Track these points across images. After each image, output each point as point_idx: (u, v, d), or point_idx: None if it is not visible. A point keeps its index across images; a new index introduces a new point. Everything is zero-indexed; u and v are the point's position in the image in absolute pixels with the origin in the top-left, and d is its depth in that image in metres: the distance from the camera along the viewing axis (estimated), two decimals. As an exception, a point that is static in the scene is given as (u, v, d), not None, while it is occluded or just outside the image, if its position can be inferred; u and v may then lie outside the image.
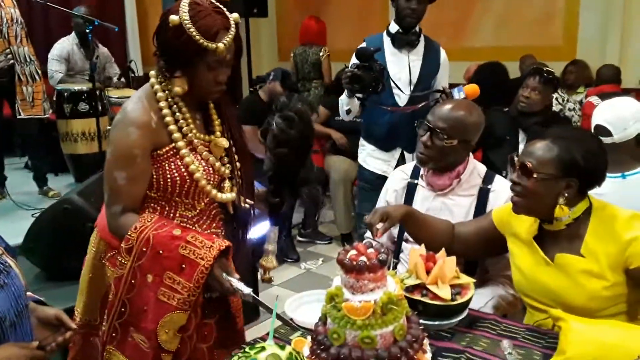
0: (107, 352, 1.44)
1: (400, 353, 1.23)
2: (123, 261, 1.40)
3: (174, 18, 1.36)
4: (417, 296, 1.46)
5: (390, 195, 2.00)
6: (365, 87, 2.41)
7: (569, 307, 1.44)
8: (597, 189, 1.91)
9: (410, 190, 1.96)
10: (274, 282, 1.73)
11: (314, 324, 1.37)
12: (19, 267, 1.29)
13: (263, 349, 1.12)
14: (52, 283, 2.55)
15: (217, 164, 1.53)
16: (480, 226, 1.71)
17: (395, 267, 2.00)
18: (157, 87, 1.47)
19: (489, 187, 1.86)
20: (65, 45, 4.61)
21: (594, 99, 4.12)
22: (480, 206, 1.85)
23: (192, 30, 1.36)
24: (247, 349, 1.14)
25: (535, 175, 1.44)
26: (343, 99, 2.62)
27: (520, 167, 1.47)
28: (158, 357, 1.39)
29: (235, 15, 1.45)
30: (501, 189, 1.83)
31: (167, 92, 1.47)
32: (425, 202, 1.91)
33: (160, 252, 1.37)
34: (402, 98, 2.65)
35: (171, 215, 1.51)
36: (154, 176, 1.46)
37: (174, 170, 1.47)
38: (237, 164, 1.59)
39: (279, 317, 1.36)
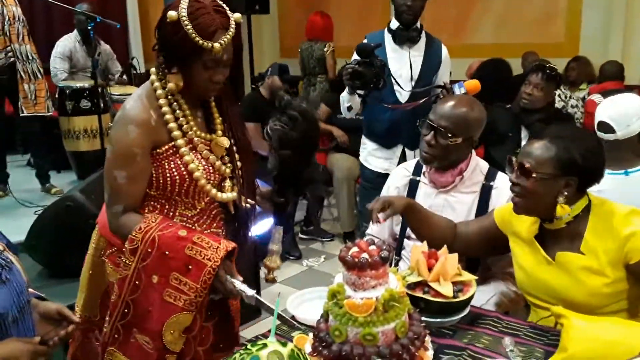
0: (109, 354, 1.43)
1: (401, 350, 1.23)
2: (127, 262, 1.38)
3: (171, 14, 1.35)
4: (419, 293, 1.46)
5: (392, 192, 1.99)
6: (366, 83, 2.41)
7: (571, 305, 1.44)
8: (599, 186, 1.91)
9: (413, 187, 1.96)
10: (275, 275, 1.73)
11: (315, 321, 1.37)
12: (20, 263, 1.30)
13: (265, 346, 1.12)
14: (55, 280, 2.56)
15: (218, 162, 1.52)
16: (482, 226, 1.71)
17: (397, 264, 2.00)
18: (157, 84, 1.46)
19: (491, 184, 1.86)
20: (68, 43, 4.62)
21: (595, 97, 4.10)
22: (483, 203, 1.85)
23: (188, 27, 1.35)
24: (249, 346, 1.14)
25: (534, 175, 1.44)
26: (344, 95, 2.61)
27: (519, 167, 1.47)
28: (162, 358, 1.39)
29: (237, 15, 1.43)
30: (504, 186, 1.82)
31: (167, 89, 1.46)
32: (427, 199, 1.91)
33: (166, 252, 1.36)
34: (403, 94, 2.65)
35: (171, 214, 1.50)
36: (154, 175, 1.46)
37: (174, 169, 1.45)
38: (239, 163, 1.57)
39: (280, 317, 1.36)
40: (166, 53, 1.43)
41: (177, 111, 1.47)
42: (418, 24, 2.69)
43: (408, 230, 1.93)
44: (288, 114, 1.60)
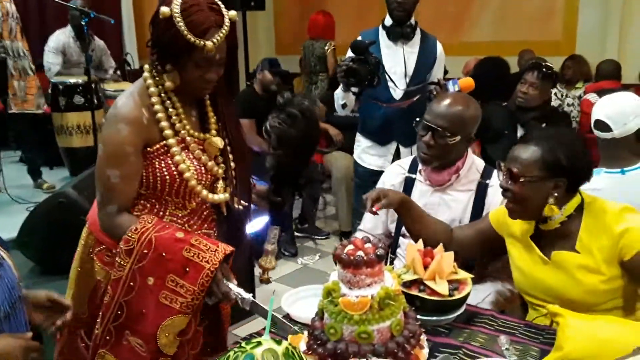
0: (99, 356, 1.40)
1: (397, 348, 1.23)
2: (122, 263, 1.35)
3: (164, 10, 1.33)
4: (414, 291, 1.45)
5: (387, 190, 1.98)
6: (361, 80, 2.40)
7: (568, 303, 1.45)
8: (596, 185, 1.91)
9: (408, 184, 1.95)
10: (270, 274, 1.71)
11: (310, 319, 1.36)
12: (11, 259, 1.29)
13: (259, 344, 1.11)
14: (47, 277, 2.54)
15: (210, 163, 1.49)
16: (479, 229, 1.71)
17: (392, 263, 1.99)
18: (149, 81, 1.44)
19: (487, 182, 1.85)
20: (61, 37, 4.59)
21: (591, 96, 4.11)
22: (479, 201, 1.84)
23: (181, 24, 1.32)
24: (243, 344, 1.13)
25: (522, 180, 1.45)
26: (338, 93, 2.61)
27: (507, 173, 1.49)
28: None
29: (232, 13, 1.41)
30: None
31: (160, 87, 1.44)
32: (423, 197, 1.90)
33: (163, 254, 1.33)
34: (397, 92, 2.65)
35: (161, 213, 1.47)
36: (144, 173, 1.43)
37: (164, 169, 1.43)
38: (232, 164, 1.54)
39: (273, 321, 1.34)
40: (159, 50, 1.41)
41: (170, 109, 1.44)
42: (412, 21, 2.68)
43: (403, 228, 1.92)
44: (287, 112, 1.58)
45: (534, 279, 1.55)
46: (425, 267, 1.47)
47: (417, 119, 1.86)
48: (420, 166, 1.92)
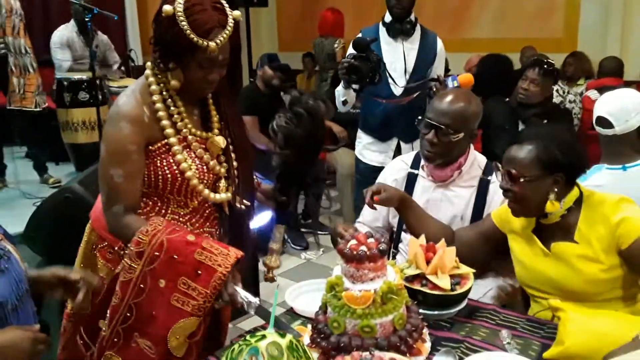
0: (106, 358, 1.38)
1: (399, 342, 1.24)
2: (133, 265, 1.33)
3: (167, 8, 1.31)
4: (416, 286, 1.47)
5: (389, 184, 1.98)
6: (363, 77, 2.41)
7: (569, 293, 1.48)
8: (597, 181, 1.93)
9: (411, 180, 1.96)
10: (274, 271, 1.72)
11: (314, 313, 1.38)
12: (18, 252, 1.30)
13: (264, 337, 1.13)
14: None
15: (212, 162, 1.48)
16: (482, 229, 1.73)
17: (394, 257, 2.01)
18: (151, 79, 1.43)
19: (489, 178, 1.86)
20: (65, 32, 4.58)
21: (591, 93, 4.10)
22: (480, 197, 1.85)
23: (184, 23, 1.31)
24: (247, 337, 1.15)
25: (521, 180, 1.48)
26: (339, 90, 2.62)
27: (507, 175, 1.52)
28: None
29: (236, 12, 1.39)
30: (501, 181, 1.83)
31: (161, 85, 1.42)
32: (425, 193, 1.91)
33: (175, 257, 1.32)
34: (397, 88, 2.66)
35: (163, 211, 1.47)
36: (146, 172, 1.43)
37: (165, 167, 1.42)
38: (235, 163, 1.54)
39: (261, 313, 1.34)
40: (161, 48, 1.39)
41: (172, 108, 1.43)
42: (412, 17, 2.69)
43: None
44: (294, 111, 1.56)
45: (535, 271, 1.57)
46: (428, 261, 1.49)
47: (419, 117, 1.86)
48: (422, 162, 1.93)
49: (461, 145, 1.81)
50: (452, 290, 1.45)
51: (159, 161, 1.43)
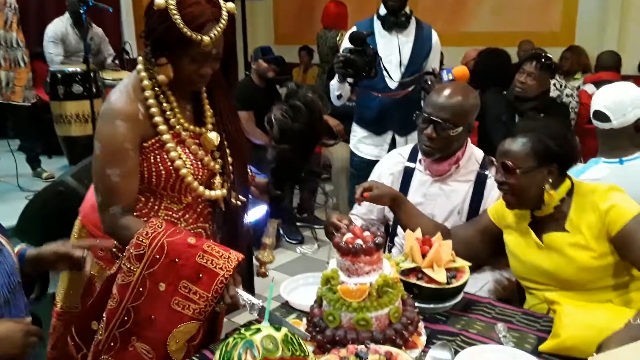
0: None
1: (395, 335, 1.24)
2: (132, 268, 1.30)
3: (158, 1, 1.28)
4: (412, 279, 1.46)
5: (385, 178, 1.97)
6: (359, 71, 2.40)
7: (564, 283, 1.50)
8: (595, 175, 1.93)
9: (407, 174, 1.95)
10: (268, 266, 1.70)
11: (309, 307, 1.37)
12: (11, 245, 1.29)
13: (259, 330, 1.12)
14: (46, 265, 2.54)
15: (207, 158, 1.46)
16: (479, 226, 1.73)
17: (390, 251, 2.00)
18: (143, 74, 1.40)
19: (486, 172, 1.85)
20: (59, 26, 4.55)
21: (588, 87, 4.10)
22: (478, 192, 1.84)
23: (176, 17, 1.28)
24: (242, 331, 1.14)
25: (517, 172, 1.50)
26: (334, 84, 2.61)
27: (502, 167, 1.54)
28: None
29: (230, 5, 1.36)
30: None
31: (153, 80, 1.40)
32: (422, 187, 1.90)
33: (176, 260, 1.29)
34: (392, 82, 2.65)
35: (156, 207, 1.45)
36: (139, 168, 1.40)
37: (159, 164, 1.40)
38: (229, 158, 1.51)
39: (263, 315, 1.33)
40: (153, 42, 1.36)
41: (165, 104, 1.41)
42: (407, 10, 2.67)
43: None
44: (291, 104, 1.54)
45: (529, 263, 1.58)
46: (424, 255, 1.48)
47: (417, 112, 1.85)
48: (420, 156, 1.92)
49: (460, 139, 1.80)
50: (448, 283, 1.45)
51: (152, 158, 1.40)
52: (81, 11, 4.01)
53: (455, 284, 1.46)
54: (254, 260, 1.69)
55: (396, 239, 1.99)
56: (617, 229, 1.44)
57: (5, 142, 4.33)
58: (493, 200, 1.78)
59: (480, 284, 1.75)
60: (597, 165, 2.03)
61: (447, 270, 1.47)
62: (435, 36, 2.74)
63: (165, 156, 1.41)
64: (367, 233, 1.31)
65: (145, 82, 1.39)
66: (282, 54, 4.27)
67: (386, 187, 1.78)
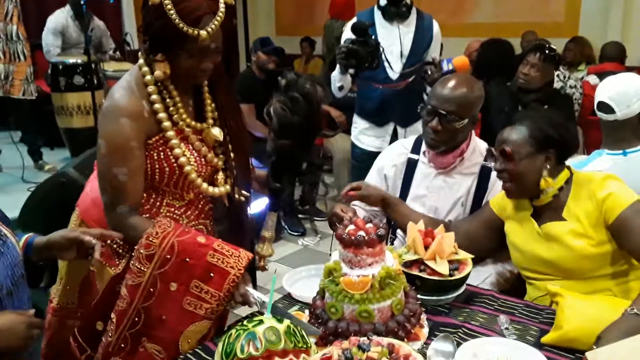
0: None
1: (397, 327, 1.24)
2: (142, 268, 1.29)
3: None
4: (415, 271, 1.46)
5: (388, 170, 1.96)
6: (362, 62, 2.39)
7: (564, 271, 1.52)
8: (598, 166, 1.92)
9: (411, 165, 1.93)
10: (271, 258, 1.70)
11: (311, 299, 1.37)
12: (14, 236, 1.29)
13: (261, 322, 1.12)
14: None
15: (210, 155, 1.46)
16: (482, 219, 1.73)
17: (392, 243, 2.00)
18: (145, 69, 1.38)
19: (490, 165, 1.85)
20: (60, 18, 4.54)
21: (591, 78, 4.08)
22: (482, 184, 1.83)
23: (172, 12, 1.26)
24: (245, 322, 1.14)
25: (515, 157, 1.52)
26: (335, 75, 2.60)
27: (501, 154, 1.56)
28: None
29: None
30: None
31: (154, 76, 1.37)
32: (425, 179, 1.89)
33: (187, 259, 1.29)
34: (393, 72, 2.64)
35: (158, 204, 1.45)
36: None
37: (163, 161, 1.39)
38: (232, 154, 1.50)
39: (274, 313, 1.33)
40: (150, 38, 1.34)
41: (168, 99, 1.39)
42: (408, 0, 2.65)
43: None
44: (290, 96, 1.53)
45: (530, 253, 1.59)
46: (426, 247, 1.48)
47: (422, 104, 1.83)
48: (423, 147, 1.91)
49: (465, 131, 1.79)
50: (450, 275, 1.44)
51: (156, 154, 1.39)
52: (82, 2, 3.99)
53: (458, 276, 1.45)
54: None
55: (398, 231, 1.99)
56: (614, 216, 1.45)
57: (8, 134, 4.34)
58: (497, 192, 1.77)
59: (482, 276, 1.75)
60: (600, 157, 2.02)
61: (450, 262, 1.47)
62: (436, 26, 2.73)
63: (169, 153, 1.39)
64: (369, 225, 1.31)
65: (148, 77, 1.37)
66: (283, 45, 4.26)
67: (375, 189, 1.78)
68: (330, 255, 1.36)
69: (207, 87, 1.49)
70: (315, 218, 4.36)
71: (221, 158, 1.49)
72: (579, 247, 1.49)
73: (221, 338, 1.16)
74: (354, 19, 2.63)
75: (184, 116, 1.42)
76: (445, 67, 2.42)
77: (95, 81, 4.30)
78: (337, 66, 2.53)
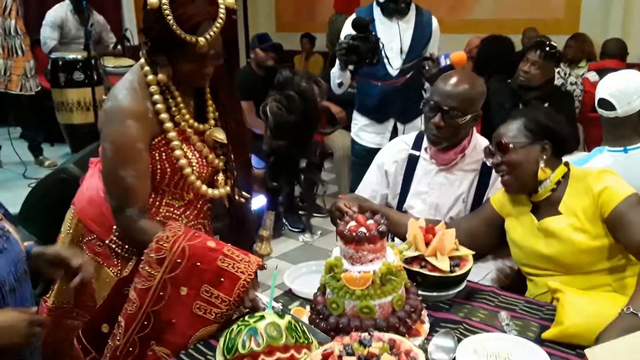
0: None
1: (398, 323, 1.24)
2: (152, 272, 1.28)
3: (152, 0, 1.24)
4: (416, 267, 1.46)
5: (389, 166, 1.96)
6: (362, 58, 2.38)
7: (563, 266, 1.52)
8: (598, 163, 1.93)
9: (412, 162, 1.93)
10: (271, 255, 1.70)
11: (312, 294, 1.37)
12: (17, 232, 1.28)
13: (263, 317, 1.12)
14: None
15: (211, 156, 1.45)
16: (482, 217, 1.73)
17: (393, 239, 2.00)
18: (147, 68, 1.37)
19: (489, 163, 1.84)
20: (59, 11, 4.53)
21: (590, 75, 4.07)
22: (483, 181, 1.84)
23: (169, 18, 1.24)
24: (246, 318, 1.15)
25: (511, 147, 1.55)
26: (335, 72, 2.60)
27: (497, 146, 1.58)
28: None
29: (230, 0, 1.31)
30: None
31: (157, 75, 1.37)
32: (426, 176, 1.89)
33: (198, 264, 1.28)
34: (393, 69, 2.64)
35: (157, 203, 1.44)
36: None
37: (165, 161, 1.39)
38: (232, 155, 1.50)
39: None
40: (150, 40, 1.33)
41: (170, 100, 1.38)
42: None
43: (405, 205, 1.92)
44: (286, 95, 1.52)
45: (529, 249, 1.59)
46: (427, 243, 1.48)
47: (424, 101, 1.83)
48: (425, 144, 1.91)
49: (467, 127, 1.79)
50: (451, 271, 1.45)
51: (157, 155, 1.39)
52: (81, -3, 3.99)
53: (459, 272, 1.46)
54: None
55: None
56: (609, 210, 1.46)
57: (7, 130, 4.33)
58: (497, 189, 1.77)
59: (483, 272, 1.75)
60: (601, 154, 2.03)
61: (451, 258, 1.47)
62: (435, 22, 2.73)
63: (171, 154, 1.39)
64: (370, 221, 1.31)
65: (150, 77, 1.36)
66: (284, 42, 4.25)
67: (363, 203, 1.75)
68: (330, 251, 1.36)
69: (209, 88, 1.49)
70: (315, 214, 4.36)
71: (222, 159, 1.49)
72: (577, 240, 1.50)
73: (223, 333, 1.17)
74: (354, 15, 2.63)
75: (187, 117, 1.41)
76: (443, 62, 2.42)
77: (95, 77, 4.29)
78: (337, 62, 2.53)
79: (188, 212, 1.49)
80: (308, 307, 1.39)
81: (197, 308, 1.29)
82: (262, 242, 1.64)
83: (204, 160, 1.44)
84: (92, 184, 1.53)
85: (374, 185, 1.98)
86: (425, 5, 2.78)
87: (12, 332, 1.14)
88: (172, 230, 1.31)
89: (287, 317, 1.14)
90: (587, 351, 1.14)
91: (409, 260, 1.47)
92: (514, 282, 1.78)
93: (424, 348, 1.21)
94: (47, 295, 1.65)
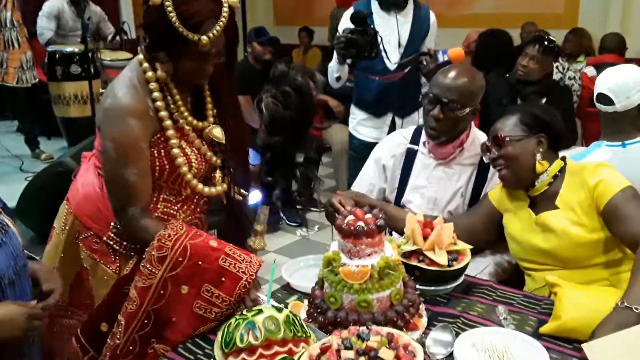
0: None
1: (396, 317, 1.24)
2: (153, 270, 1.27)
3: None
4: (413, 262, 1.46)
5: (387, 161, 1.95)
6: (361, 51, 2.38)
7: (560, 260, 1.53)
8: (597, 158, 1.93)
9: (410, 156, 1.93)
10: (269, 249, 1.70)
11: (310, 288, 1.37)
12: (16, 226, 1.28)
13: (261, 311, 1.12)
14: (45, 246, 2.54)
15: (209, 153, 1.45)
16: (481, 213, 1.73)
17: (391, 233, 2.00)
18: (145, 65, 1.35)
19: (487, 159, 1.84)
20: (56, 2, 4.51)
21: (588, 70, 4.07)
22: (481, 175, 1.84)
23: (172, 15, 1.23)
24: (244, 312, 1.15)
25: (507, 140, 1.57)
26: (333, 66, 2.59)
27: (493, 141, 1.60)
28: None
29: None
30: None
31: (156, 71, 1.36)
32: (425, 170, 1.89)
33: (199, 263, 1.28)
34: (391, 63, 2.63)
35: (154, 198, 1.44)
36: None
37: (164, 158, 1.39)
38: (230, 153, 1.50)
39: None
40: (151, 37, 1.32)
41: (168, 97, 1.38)
42: None
43: (403, 199, 1.92)
44: (281, 90, 1.51)
45: (527, 244, 1.59)
46: (425, 237, 1.48)
47: (423, 94, 1.83)
48: (423, 138, 1.91)
49: (465, 120, 1.79)
50: (449, 266, 1.45)
51: (156, 152, 1.38)
52: (78, -11, 3.97)
53: (457, 266, 1.46)
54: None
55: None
56: (604, 202, 1.46)
57: (5, 123, 4.32)
58: (496, 183, 1.78)
59: (481, 266, 1.76)
60: (599, 148, 2.03)
61: (449, 252, 1.47)
62: (432, 16, 2.72)
63: (170, 151, 1.39)
64: (368, 215, 1.31)
65: (149, 74, 1.35)
66: (282, 35, 4.23)
67: (362, 198, 1.75)
68: (329, 245, 1.36)
69: (208, 86, 1.48)
70: (313, 209, 4.36)
71: (220, 156, 1.49)
72: (574, 234, 1.50)
73: (221, 327, 1.17)
74: (351, 9, 2.62)
75: (185, 114, 1.41)
76: (441, 58, 2.41)
77: (92, 70, 4.28)
78: (334, 56, 2.52)
79: (185, 208, 1.48)
80: (306, 301, 1.40)
81: (197, 307, 1.28)
82: (256, 237, 1.63)
83: (201, 158, 1.44)
84: (87, 180, 1.51)
85: (371, 179, 1.98)
86: (424, -1, 2.77)
87: (11, 326, 1.13)
88: (174, 229, 1.31)
89: (285, 311, 1.14)
90: (584, 346, 1.15)
91: (406, 254, 1.47)
92: (512, 276, 1.78)
93: (421, 342, 1.21)
94: None
